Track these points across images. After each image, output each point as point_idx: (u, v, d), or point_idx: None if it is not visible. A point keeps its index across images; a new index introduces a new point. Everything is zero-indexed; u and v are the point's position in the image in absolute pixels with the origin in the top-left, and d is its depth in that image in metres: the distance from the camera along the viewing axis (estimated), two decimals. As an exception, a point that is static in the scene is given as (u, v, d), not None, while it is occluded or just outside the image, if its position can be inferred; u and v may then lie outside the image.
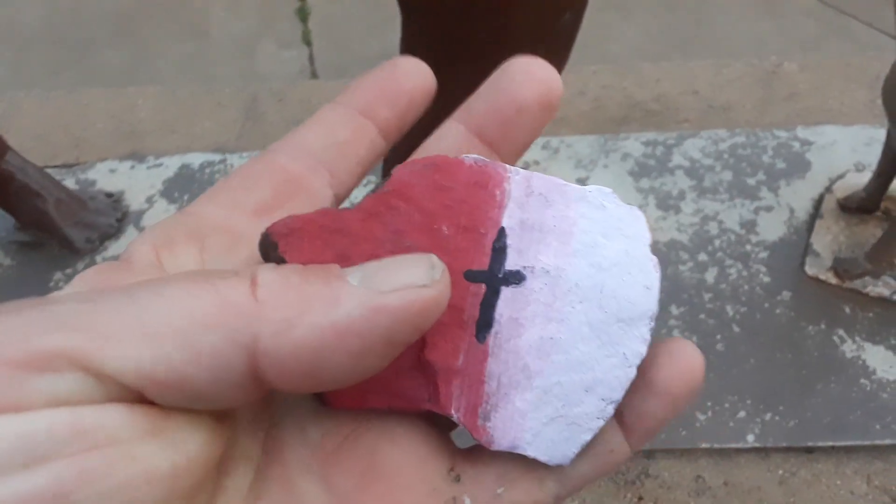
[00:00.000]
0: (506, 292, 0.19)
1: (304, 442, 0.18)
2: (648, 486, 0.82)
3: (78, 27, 1.63)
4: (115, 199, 1.11)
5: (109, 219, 1.07)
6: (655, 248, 0.92)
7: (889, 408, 0.83)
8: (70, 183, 1.14)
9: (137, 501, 0.14)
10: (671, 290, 0.95)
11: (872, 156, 1.06)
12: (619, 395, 0.19)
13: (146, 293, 0.15)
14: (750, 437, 0.83)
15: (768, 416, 0.84)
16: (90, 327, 0.14)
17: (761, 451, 0.83)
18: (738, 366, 0.88)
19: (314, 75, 1.48)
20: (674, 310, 0.93)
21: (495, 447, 0.19)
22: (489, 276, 0.19)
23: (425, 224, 0.19)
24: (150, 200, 1.11)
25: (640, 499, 0.81)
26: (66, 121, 1.28)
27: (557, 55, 0.62)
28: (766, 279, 0.96)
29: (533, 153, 1.13)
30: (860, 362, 0.87)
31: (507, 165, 0.21)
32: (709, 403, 0.85)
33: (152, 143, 1.23)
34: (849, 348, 0.89)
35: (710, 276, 0.97)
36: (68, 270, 1.02)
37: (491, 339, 0.19)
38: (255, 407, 0.18)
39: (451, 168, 0.20)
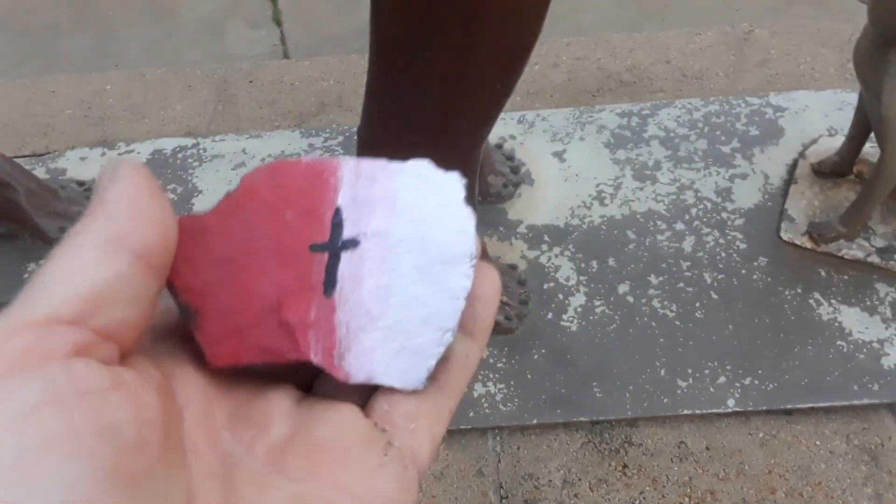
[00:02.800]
0: (345, 256, 0.23)
1: (253, 458, 0.22)
2: (632, 454, 0.83)
3: (40, 14, 1.59)
4: (86, 187, 1.10)
5: (82, 208, 1.06)
6: (633, 219, 0.93)
7: (866, 368, 0.85)
8: (40, 172, 1.12)
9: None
10: (650, 261, 0.96)
11: (844, 120, 1.06)
12: (452, 322, 0.23)
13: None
14: (730, 402, 0.84)
15: (748, 380, 0.85)
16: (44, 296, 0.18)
17: (742, 415, 0.84)
18: (717, 332, 0.89)
19: (286, 55, 1.47)
20: (653, 279, 0.94)
21: (353, 381, 0.23)
22: (330, 246, 0.24)
23: (271, 214, 0.23)
24: (122, 187, 1.09)
25: (625, 466, 0.82)
26: (33, 109, 1.25)
27: (530, 28, 0.62)
28: (743, 246, 0.97)
29: (509, 128, 1.13)
30: (836, 324, 0.89)
31: (340, 158, 0.25)
32: (689, 370, 0.86)
33: (122, 129, 1.21)
34: (825, 311, 0.90)
35: (688, 244, 0.97)
36: (42, 262, 1.00)
37: (337, 295, 0.23)
38: (206, 452, 0.21)
39: (289, 167, 0.24)
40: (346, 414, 0.23)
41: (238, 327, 0.23)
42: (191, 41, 1.50)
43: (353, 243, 0.24)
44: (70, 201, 1.05)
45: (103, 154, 1.15)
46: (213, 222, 0.23)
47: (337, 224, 0.24)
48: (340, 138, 1.13)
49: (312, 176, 0.24)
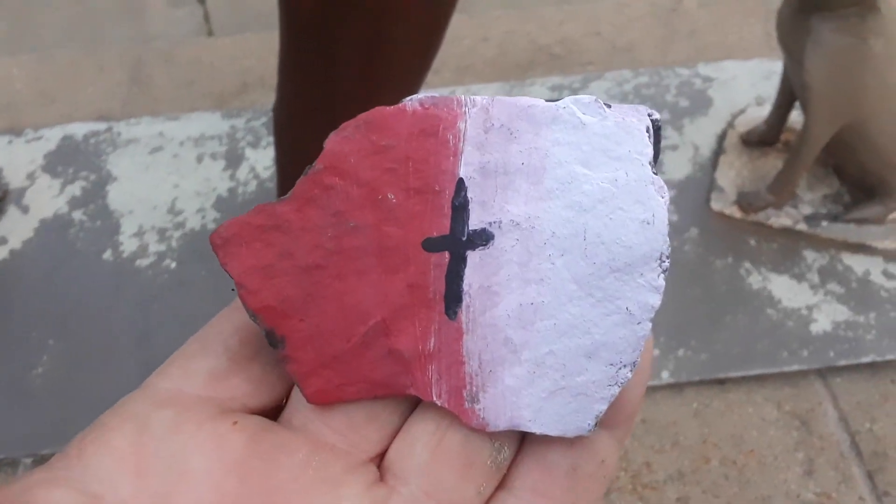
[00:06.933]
0: (473, 257, 0.17)
1: None
2: (568, 431, 0.82)
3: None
4: (-7, 177, 1.03)
5: (-12, 199, 1.00)
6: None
7: (795, 335, 0.85)
8: (-59, 163, 1.05)
9: None
10: (582, 235, 0.95)
11: (772, 89, 1.07)
12: (631, 355, 0.17)
13: None
14: (665, 374, 0.83)
15: (681, 352, 0.85)
16: None
17: (676, 387, 0.84)
18: (650, 305, 0.88)
19: (210, 34, 1.41)
20: (585, 254, 0.93)
21: (492, 429, 0.17)
22: (451, 242, 0.17)
23: (367, 197, 0.17)
24: (31, 177, 1.03)
25: (561, 444, 0.81)
26: (-68, 96, 1.18)
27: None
28: (674, 217, 0.96)
29: (438, 104, 1.10)
30: (766, 293, 0.89)
31: (462, 97, 0.17)
32: (623, 344, 0.85)
33: (30, 115, 1.14)
34: (755, 280, 0.90)
35: (620, 217, 0.96)
36: (-55, 257, 0.94)
37: (463, 315, 0.17)
38: None
39: (388, 122, 0.17)
40: None
41: (335, 357, 0.17)
42: (108, 21, 1.43)
43: (483, 237, 0.17)
44: (-26, 193, 0.99)
45: (10, 142, 1.08)
46: (291, 214, 0.17)
47: (459, 207, 0.17)
48: (264, 119, 1.09)
49: (422, 133, 0.17)
